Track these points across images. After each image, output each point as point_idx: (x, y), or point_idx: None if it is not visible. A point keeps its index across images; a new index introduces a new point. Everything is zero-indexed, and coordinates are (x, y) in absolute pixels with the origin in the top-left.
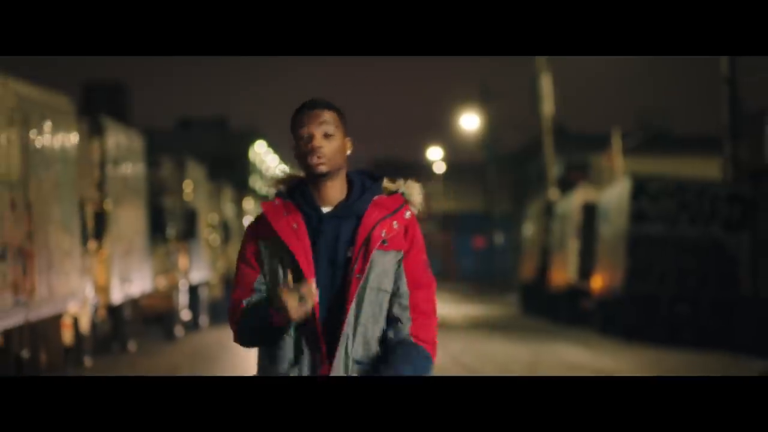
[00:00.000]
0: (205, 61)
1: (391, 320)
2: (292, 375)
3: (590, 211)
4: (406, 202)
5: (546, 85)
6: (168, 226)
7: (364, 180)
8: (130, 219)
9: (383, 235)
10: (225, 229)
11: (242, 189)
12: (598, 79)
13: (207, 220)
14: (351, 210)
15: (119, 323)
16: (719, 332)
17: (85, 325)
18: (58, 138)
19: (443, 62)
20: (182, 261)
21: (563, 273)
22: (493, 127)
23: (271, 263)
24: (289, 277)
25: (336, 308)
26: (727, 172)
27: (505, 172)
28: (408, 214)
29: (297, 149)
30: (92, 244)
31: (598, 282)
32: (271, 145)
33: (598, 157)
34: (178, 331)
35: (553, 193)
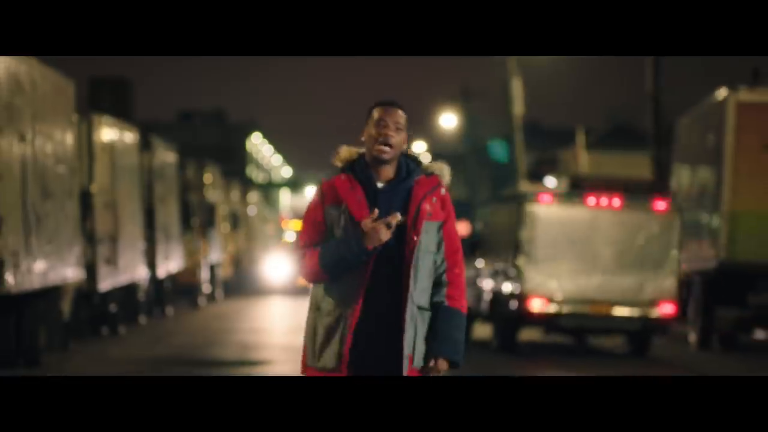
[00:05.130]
0: (204, 57)
1: (435, 283)
2: (338, 311)
3: None
4: (440, 182)
5: (517, 87)
6: (192, 218)
7: (409, 163)
8: (168, 212)
9: (428, 209)
10: (234, 218)
11: (246, 183)
12: (573, 75)
13: (220, 211)
14: (400, 188)
15: (161, 293)
16: None
17: (141, 292)
18: (127, 155)
19: (428, 61)
20: (203, 245)
21: None
22: (473, 121)
23: (335, 225)
24: (375, 211)
25: (396, 264)
26: (653, 170)
27: (486, 163)
28: (443, 191)
29: (369, 134)
30: (145, 232)
31: None
32: (266, 136)
33: (566, 151)
34: (201, 301)
35: (524, 185)
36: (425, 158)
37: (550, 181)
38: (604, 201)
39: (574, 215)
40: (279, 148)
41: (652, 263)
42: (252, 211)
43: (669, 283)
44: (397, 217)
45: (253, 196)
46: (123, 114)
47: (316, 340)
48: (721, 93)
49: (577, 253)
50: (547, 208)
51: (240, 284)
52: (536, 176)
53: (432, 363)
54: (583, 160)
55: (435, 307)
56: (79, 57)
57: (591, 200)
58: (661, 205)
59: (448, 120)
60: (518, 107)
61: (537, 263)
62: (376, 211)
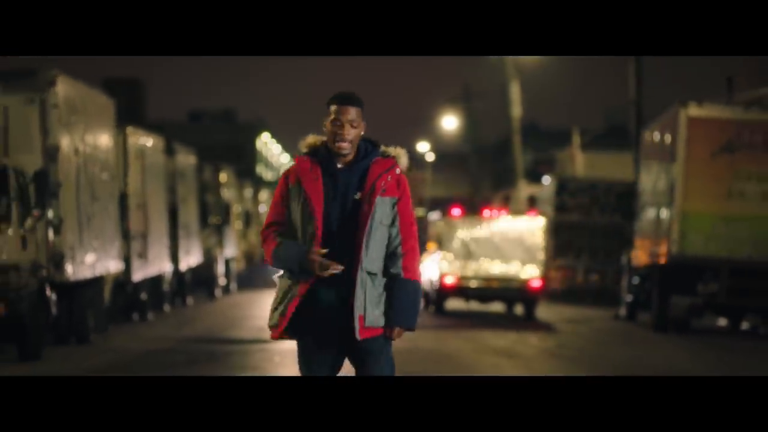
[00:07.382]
0: (214, 57)
1: (390, 254)
2: (295, 277)
3: (533, 201)
4: (396, 163)
5: (515, 90)
6: (209, 216)
7: (367, 145)
8: (188, 211)
9: (382, 185)
10: (246, 216)
11: (256, 181)
12: (571, 76)
13: (234, 209)
14: (358, 167)
15: (182, 284)
16: (617, 293)
17: (166, 283)
18: (155, 160)
19: (431, 62)
20: (219, 241)
21: None
22: (474, 122)
23: (294, 201)
24: (322, 251)
25: (350, 235)
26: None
27: (487, 162)
28: (398, 170)
29: (327, 128)
30: (169, 229)
31: None
32: (274, 136)
33: (563, 152)
34: (217, 292)
35: (522, 184)
36: (428, 157)
37: (547, 181)
38: (495, 213)
39: (475, 223)
40: (287, 147)
41: (527, 254)
42: (263, 209)
43: (538, 267)
44: (338, 269)
45: (264, 194)
46: (136, 114)
47: (274, 302)
48: (675, 107)
49: (477, 248)
50: (457, 219)
51: (252, 278)
52: (534, 176)
53: (390, 332)
54: (579, 160)
55: (392, 279)
56: (89, 57)
57: (486, 213)
58: (533, 215)
59: (450, 122)
60: (516, 110)
61: (451, 255)
62: (323, 251)
